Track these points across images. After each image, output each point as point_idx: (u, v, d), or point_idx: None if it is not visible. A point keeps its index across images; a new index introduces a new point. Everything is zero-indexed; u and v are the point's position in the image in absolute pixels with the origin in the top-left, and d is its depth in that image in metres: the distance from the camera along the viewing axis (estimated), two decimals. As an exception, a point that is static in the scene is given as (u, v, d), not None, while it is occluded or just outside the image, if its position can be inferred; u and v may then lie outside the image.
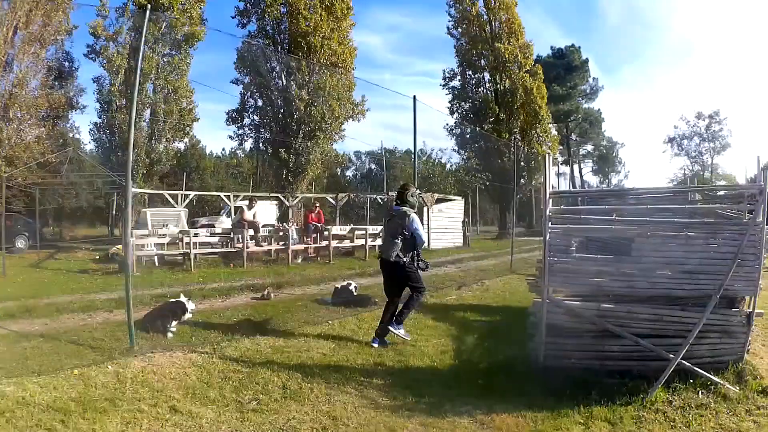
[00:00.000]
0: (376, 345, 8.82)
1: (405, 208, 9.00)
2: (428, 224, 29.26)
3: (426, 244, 9.82)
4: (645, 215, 8.36)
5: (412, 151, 13.10)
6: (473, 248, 32.75)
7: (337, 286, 12.88)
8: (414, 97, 12.90)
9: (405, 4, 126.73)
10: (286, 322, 10.21)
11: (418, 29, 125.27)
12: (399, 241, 8.91)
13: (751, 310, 7.65)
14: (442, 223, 31.80)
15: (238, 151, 66.89)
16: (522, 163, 44.25)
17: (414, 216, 8.98)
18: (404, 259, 8.91)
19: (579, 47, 76.01)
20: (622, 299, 7.82)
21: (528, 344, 8.21)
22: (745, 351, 7.78)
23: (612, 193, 10.86)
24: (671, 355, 7.12)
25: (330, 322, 10.21)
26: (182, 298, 9.43)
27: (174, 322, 9.04)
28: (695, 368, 7.11)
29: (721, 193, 9.98)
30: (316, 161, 34.12)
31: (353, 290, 12.53)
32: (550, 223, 7.91)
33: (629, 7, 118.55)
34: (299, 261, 21.42)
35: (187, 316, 9.33)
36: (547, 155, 8.35)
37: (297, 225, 24.73)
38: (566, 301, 7.94)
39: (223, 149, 77.20)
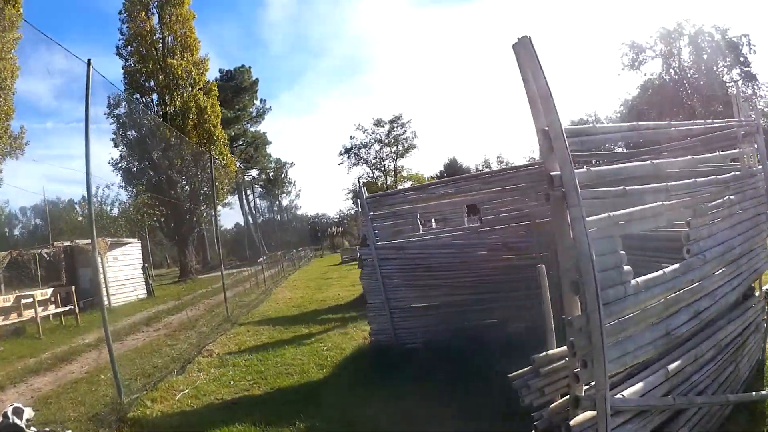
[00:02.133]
0: None
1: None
2: (104, 276, 23.35)
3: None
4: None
5: (85, 143, 7.78)
6: (160, 297, 27.34)
7: (-8, 419, 6.91)
8: (89, 61, 7.85)
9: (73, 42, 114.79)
10: None
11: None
12: None
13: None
14: (121, 273, 25.70)
15: None
16: (197, 193, 39.94)
17: None
18: None
19: (249, 67, 75.53)
20: (678, 342, 4.44)
21: None
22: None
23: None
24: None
25: None
26: None
27: None
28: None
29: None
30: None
31: (24, 425, 6.89)
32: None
33: (292, 36, 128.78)
34: (-38, 355, 14.27)
35: None
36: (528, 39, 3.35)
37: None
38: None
39: None
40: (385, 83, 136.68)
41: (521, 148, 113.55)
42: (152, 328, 16.77)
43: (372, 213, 10.35)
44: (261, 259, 31.84)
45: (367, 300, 10.58)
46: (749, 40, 50.75)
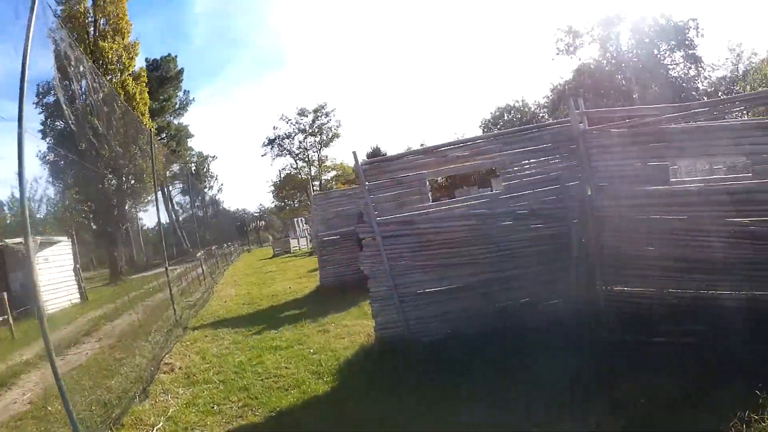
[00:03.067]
0: None
1: None
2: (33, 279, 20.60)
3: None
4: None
5: (20, 88, 5.52)
6: (95, 301, 24.52)
7: None
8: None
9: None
10: None
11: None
12: None
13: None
14: (52, 276, 22.65)
15: None
16: (124, 186, 37.13)
17: None
18: None
19: (175, 56, 72.50)
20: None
21: None
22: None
23: None
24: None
25: None
26: None
27: None
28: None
29: None
30: None
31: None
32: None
33: (216, 28, 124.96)
34: None
35: None
36: None
37: None
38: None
39: None
40: (306, 74, 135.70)
41: (445, 134, 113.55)
42: (94, 339, 14.37)
43: (368, 183, 8.55)
44: (199, 254, 29.51)
45: (369, 288, 8.68)
46: (697, 23, 52.00)
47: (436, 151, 8.73)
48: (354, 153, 8.83)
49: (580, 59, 57.10)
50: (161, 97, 68.69)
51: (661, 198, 6.91)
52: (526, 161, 8.42)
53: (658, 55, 53.71)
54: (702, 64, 53.19)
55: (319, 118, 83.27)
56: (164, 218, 68.45)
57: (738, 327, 6.09)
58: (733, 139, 6.66)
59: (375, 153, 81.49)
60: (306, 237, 44.69)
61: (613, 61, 54.96)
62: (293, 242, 45.92)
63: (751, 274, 6.39)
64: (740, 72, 53.59)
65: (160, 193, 63.48)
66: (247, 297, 18.47)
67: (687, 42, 52.14)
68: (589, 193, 7.84)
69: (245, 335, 11.77)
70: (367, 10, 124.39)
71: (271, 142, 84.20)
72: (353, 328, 10.32)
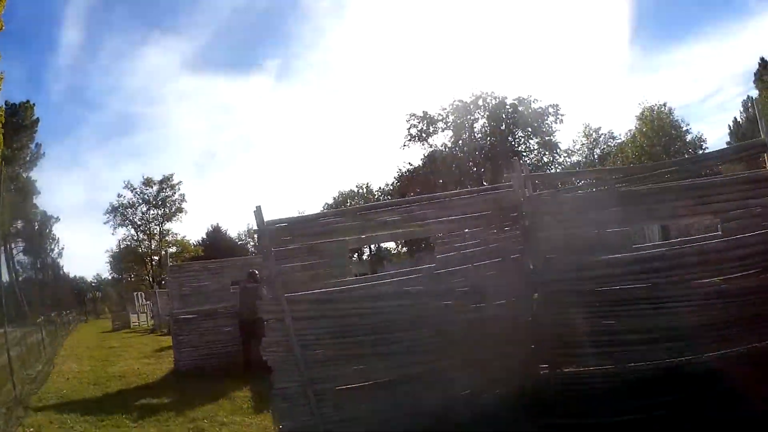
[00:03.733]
0: None
1: (257, 285, 12.83)
2: None
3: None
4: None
5: None
6: None
7: None
8: None
9: None
10: None
11: None
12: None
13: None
14: None
15: None
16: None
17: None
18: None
19: (34, 104, 68.77)
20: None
21: None
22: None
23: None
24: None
25: None
26: None
27: None
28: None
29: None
30: None
31: None
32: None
33: (74, 86, 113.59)
34: None
35: None
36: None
37: None
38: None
39: None
40: (156, 145, 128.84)
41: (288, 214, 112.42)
42: None
43: (275, 248, 6.83)
44: (39, 320, 26.57)
45: (274, 383, 6.67)
46: (557, 109, 53.56)
47: (360, 213, 7.28)
48: (258, 208, 6.95)
49: (431, 146, 57.74)
50: (14, 146, 64.12)
51: (624, 266, 6.54)
52: (466, 230, 7.34)
53: (513, 142, 55.31)
54: (558, 151, 55.43)
55: (165, 190, 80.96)
56: (5, 276, 62.92)
57: (712, 391, 6.00)
58: (700, 198, 6.60)
59: (216, 230, 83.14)
60: (147, 313, 41.70)
61: (465, 148, 55.87)
62: (133, 317, 43.77)
63: (722, 334, 6.32)
64: (596, 156, 56.51)
65: (2, 248, 58.41)
66: (92, 375, 16.07)
67: (544, 128, 54.03)
68: (532, 267, 6.94)
69: (98, 427, 9.59)
70: (218, 84, 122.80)
71: (114, 209, 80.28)
72: (234, 428, 8.53)
